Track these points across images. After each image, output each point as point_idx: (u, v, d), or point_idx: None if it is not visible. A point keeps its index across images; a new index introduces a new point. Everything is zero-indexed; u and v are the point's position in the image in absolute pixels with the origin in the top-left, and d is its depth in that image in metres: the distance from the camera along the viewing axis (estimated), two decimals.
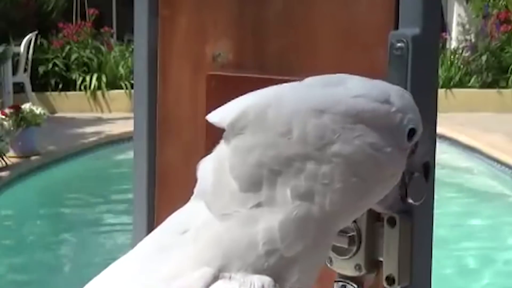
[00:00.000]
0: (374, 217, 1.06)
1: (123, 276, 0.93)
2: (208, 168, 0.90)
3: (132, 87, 10.67)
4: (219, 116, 0.89)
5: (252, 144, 0.85)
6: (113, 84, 12.73)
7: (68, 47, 12.94)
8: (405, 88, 1.02)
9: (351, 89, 0.87)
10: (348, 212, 0.90)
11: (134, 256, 0.95)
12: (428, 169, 0.98)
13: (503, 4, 13.21)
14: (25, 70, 11.90)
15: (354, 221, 1.06)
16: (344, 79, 0.89)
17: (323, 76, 0.90)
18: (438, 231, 1.08)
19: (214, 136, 1.22)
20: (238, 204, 0.87)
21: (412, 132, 0.90)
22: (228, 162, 0.87)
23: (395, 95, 0.90)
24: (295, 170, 0.85)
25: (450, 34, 13.88)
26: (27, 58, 11.89)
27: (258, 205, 0.86)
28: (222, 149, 0.89)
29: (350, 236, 1.06)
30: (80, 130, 10.65)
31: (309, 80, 0.90)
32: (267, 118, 0.85)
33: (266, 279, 0.86)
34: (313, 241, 0.88)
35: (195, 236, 0.89)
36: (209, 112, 1.08)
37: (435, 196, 1.07)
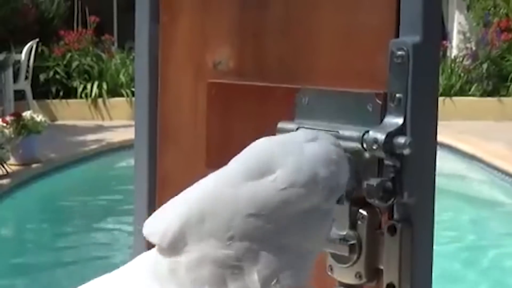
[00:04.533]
0: (374, 225, 1.06)
1: None
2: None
3: (133, 94, 10.71)
4: (157, 235, 0.90)
5: (201, 255, 0.87)
6: (114, 92, 12.77)
7: (69, 54, 12.99)
8: (406, 96, 1.02)
9: (278, 180, 0.87)
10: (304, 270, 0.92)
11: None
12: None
13: (503, 12, 13.26)
14: (26, 77, 11.95)
15: (355, 229, 1.07)
16: (269, 166, 0.89)
17: (247, 165, 0.90)
18: (438, 238, 1.08)
19: (214, 144, 1.22)
20: None
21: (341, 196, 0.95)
22: (185, 275, 0.88)
23: (322, 166, 0.91)
24: (250, 265, 0.87)
25: (451, 42, 13.93)
26: (28, 66, 11.94)
27: None
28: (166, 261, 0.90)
29: (351, 244, 1.06)
30: (81, 138, 10.69)
31: (232, 173, 0.90)
32: (205, 231, 0.87)
33: None
34: None
35: None
36: (210, 119, 1.08)
37: (436, 204, 1.07)
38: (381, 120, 1.04)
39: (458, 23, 14.17)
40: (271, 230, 0.87)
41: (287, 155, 0.90)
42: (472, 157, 9.36)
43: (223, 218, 0.87)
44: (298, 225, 0.89)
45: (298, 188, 0.88)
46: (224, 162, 0.89)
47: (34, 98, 12.05)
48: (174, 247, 0.88)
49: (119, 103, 12.59)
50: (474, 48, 13.47)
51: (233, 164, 0.91)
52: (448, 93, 12.17)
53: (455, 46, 14.01)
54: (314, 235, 0.92)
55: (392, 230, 1.04)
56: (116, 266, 0.98)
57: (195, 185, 0.92)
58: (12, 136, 8.58)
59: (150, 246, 0.94)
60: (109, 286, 0.97)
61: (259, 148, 0.92)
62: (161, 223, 0.91)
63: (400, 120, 1.02)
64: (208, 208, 0.88)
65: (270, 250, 0.87)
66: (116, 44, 13.69)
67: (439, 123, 1.07)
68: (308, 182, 0.88)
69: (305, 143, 0.93)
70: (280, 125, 1.09)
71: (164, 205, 0.94)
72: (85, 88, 12.85)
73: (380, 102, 1.04)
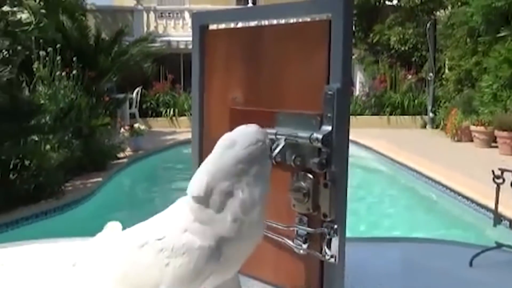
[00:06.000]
0: (316, 182, 1.05)
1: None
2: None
3: (191, 115, 10.71)
4: (190, 192, 0.95)
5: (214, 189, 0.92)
6: (181, 113, 12.73)
7: (157, 94, 12.98)
8: (333, 115, 1.01)
9: (240, 145, 0.94)
10: (265, 195, 0.96)
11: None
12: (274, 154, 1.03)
13: (382, 72, 13.28)
14: (135, 106, 11.94)
15: (306, 185, 1.06)
16: (234, 140, 0.96)
17: (225, 140, 0.97)
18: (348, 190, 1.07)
19: None
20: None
21: (272, 147, 0.99)
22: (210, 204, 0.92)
23: (260, 136, 0.97)
24: (237, 188, 0.92)
25: (355, 87, 13.92)
26: (136, 100, 11.93)
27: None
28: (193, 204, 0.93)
29: (304, 192, 1.06)
30: (164, 137, 10.65)
31: (219, 144, 0.97)
32: (216, 177, 0.92)
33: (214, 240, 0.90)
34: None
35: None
36: (231, 128, 1.06)
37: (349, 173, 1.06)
38: (320, 128, 1.03)
39: (359, 77, 14.17)
40: (243, 169, 0.92)
41: (239, 137, 0.96)
42: (367, 148, 9.34)
43: (220, 168, 0.93)
44: (252, 166, 0.93)
45: (251, 146, 0.94)
46: None
47: (140, 117, 12.03)
48: (199, 198, 0.92)
49: (183, 119, 12.53)
50: (367, 91, 13.49)
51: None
52: (354, 114, 12.14)
53: (358, 89, 14.01)
54: (261, 172, 0.94)
55: (325, 185, 1.04)
56: None
57: (211, 155, 0.97)
58: (129, 136, 8.60)
59: None
60: (160, 218, 0.98)
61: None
62: (193, 185, 0.95)
63: (329, 128, 1.02)
64: (211, 166, 0.94)
65: (244, 181, 0.92)
66: (182, 89, 13.61)
67: (350, 130, 1.06)
68: (254, 142, 0.94)
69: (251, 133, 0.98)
70: (268, 130, 1.08)
71: (198, 170, 0.97)
72: (166, 111, 12.81)
73: (319, 119, 1.04)
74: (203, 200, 0.91)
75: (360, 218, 5.63)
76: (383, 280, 1.21)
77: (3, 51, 5.74)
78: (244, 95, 1.23)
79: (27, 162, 5.56)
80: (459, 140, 9.63)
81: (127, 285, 0.90)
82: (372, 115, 12.73)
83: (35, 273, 1.23)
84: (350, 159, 1.05)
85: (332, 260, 1.03)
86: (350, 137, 1.04)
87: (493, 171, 1.29)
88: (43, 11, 7.01)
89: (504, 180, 1.29)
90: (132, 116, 11.68)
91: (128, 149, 8.58)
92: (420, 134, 11.09)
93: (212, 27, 1.28)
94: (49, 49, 7.01)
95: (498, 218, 1.29)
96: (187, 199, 0.95)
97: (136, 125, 9.42)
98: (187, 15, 15.47)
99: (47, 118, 6.21)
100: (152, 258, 0.87)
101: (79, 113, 7.14)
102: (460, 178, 6.28)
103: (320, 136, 1.01)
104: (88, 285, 0.95)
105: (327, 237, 1.04)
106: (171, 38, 14.92)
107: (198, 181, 0.92)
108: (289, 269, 1.10)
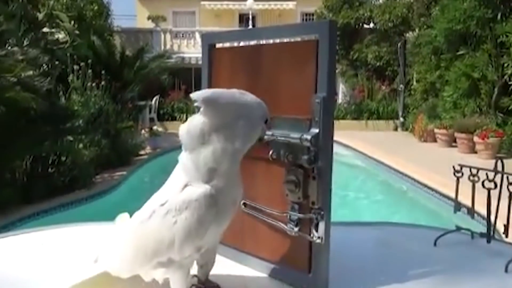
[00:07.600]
0: (306, 175, 1.05)
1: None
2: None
3: None
4: (196, 96, 0.86)
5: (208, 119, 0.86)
6: None
7: (173, 102, 12.96)
8: (320, 119, 1.01)
9: (248, 96, 0.89)
10: (242, 150, 0.88)
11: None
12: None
13: (360, 83, 13.28)
14: (154, 111, 11.92)
15: (297, 177, 1.05)
16: (247, 93, 0.90)
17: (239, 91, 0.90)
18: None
19: None
20: (196, 144, 0.87)
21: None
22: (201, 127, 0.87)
23: (263, 107, 0.91)
24: (223, 131, 0.85)
25: (338, 96, 13.92)
26: (155, 106, 11.91)
27: (203, 144, 0.85)
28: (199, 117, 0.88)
29: (295, 183, 1.05)
30: (178, 138, 10.64)
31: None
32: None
33: (208, 187, 0.84)
34: (229, 162, 0.86)
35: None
36: None
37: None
38: (309, 130, 1.03)
39: (341, 88, 14.18)
40: (236, 115, 0.86)
41: (250, 95, 0.92)
42: (347, 146, 9.35)
43: (225, 95, 0.88)
44: (243, 119, 0.87)
45: (250, 100, 0.89)
46: None
47: (158, 120, 12.02)
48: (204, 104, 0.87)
49: None
50: (348, 99, 13.49)
51: None
52: (337, 118, 12.15)
53: (340, 98, 14.02)
54: (246, 131, 0.88)
55: (313, 177, 1.04)
56: None
57: None
58: (148, 137, 8.58)
59: None
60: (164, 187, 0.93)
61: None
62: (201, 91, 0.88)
63: (317, 130, 1.01)
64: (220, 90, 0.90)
65: (229, 129, 0.85)
66: None
67: (334, 131, 1.06)
68: (255, 103, 0.91)
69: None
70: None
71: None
72: (180, 116, 12.81)
73: (308, 122, 1.03)
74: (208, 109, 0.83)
75: (341, 203, 5.63)
76: (361, 256, 1.21)
77: (43, 65, 5.74)
78: None
79: (63, 158, 5.57)
80: (425, 141, 9.66)
81: (145, 257, 0.84)
82: (352, 119, 12.76)
83: (71, 252, 1.21)
84: (334, 156, 1.04)
85: (319, 240, 1.03)
86: (334, 138, 1.04)
87: (453, 167, 1.29)
88: (77, 32, 7.02)
89: (463, 174, 1.29)
90: (151, 120, 11.66)
91: (148, 147, 8.59)
92: (393, 135, 11.12)
93: (219, 45, 1.28)
94: (82, 64, 7.04)
95: (458, 206, 1.29)
96: (179, 163, 0.89)
97: (154, 128, 9.43)
98: (197, 35, 15.48)
99: (80, 121, 6.23)
100: (161, 223, 0.83)
101: (107, 118, 7.15)
102: (426, 172, 6.28)
103: (309, 137, 1.00)
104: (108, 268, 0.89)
105: (315, 221, 1.03)
106: (184, 55, 14.93)
107: (205, 91, 0.87)
108: (283, 248, 1.10)
